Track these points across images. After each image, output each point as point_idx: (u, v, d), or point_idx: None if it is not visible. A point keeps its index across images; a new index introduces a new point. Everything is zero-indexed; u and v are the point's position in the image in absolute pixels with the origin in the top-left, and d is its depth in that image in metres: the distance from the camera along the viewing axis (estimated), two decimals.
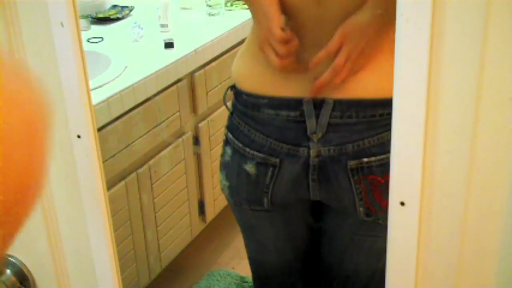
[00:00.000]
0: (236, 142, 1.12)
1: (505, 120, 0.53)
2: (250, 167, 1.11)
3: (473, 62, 0.52)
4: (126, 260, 1.78)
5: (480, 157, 0.55)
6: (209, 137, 2.07)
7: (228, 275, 2.11)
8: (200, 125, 2.02)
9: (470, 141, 0.55)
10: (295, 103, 1.04)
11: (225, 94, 1.18)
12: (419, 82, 0.54)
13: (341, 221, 1.16)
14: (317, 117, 1.03)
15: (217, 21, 2.24)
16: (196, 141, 2.02)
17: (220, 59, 2.06)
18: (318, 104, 1.03)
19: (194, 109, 1.98)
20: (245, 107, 1.09)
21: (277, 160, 1.08)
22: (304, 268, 1.29)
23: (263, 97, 1.06)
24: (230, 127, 1.15)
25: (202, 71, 1.98)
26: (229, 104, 1.18)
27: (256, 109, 1.08)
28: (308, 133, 1.04)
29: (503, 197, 0.56)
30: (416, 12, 0.52)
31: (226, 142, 1.16)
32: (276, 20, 0.99)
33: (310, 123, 1.04)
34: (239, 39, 2.13)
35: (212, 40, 2.02)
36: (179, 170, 1.96)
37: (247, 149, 1.10)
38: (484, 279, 0.61)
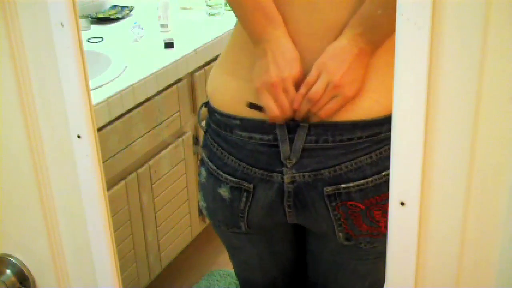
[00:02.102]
0: (210, 164, 1.07)
1: (505, 120, 0.53)
2: (224, 191, 1.06)
3: (473, 62, 0.52)
4: (126, 260, 1.78)
5: (480, 157, 0.55)
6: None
7: (228, 275, 2.11)
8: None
9: (470, 141, 0.55)
10: (268, 126, 0.98)
11: (199, 111, 1.13)
12: (419, 82, 0.54)
13: (322, 244, 1.12)
14: (291, 141, 0.97)
15: (217, 21, 2.24)
16: (196, 141, 2.02)
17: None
18: (292, 127, 0.97)
19: (194, 109, 1.98)
20: (218, 126, 1.04)
21: (251, 186, 1.02)
22: (291, 283, 1.26)
23: (235, 118, 1.00)
24: (205, 147, 1.10)
25: (202, 71, 1.98)
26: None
27: (229, 130, 1.02)
28: (282, 158, 0.98)
29: (503, 197, 0.56)
30: (416, 11, 0.52)
31: (202, 162, 1.11)
32: (299, 66, 0.93)
33: (284, 148, 0.98)
34: None
35: (212, 40, 2.02)
36: (179, 170, 1.96)
37: (220, 172, 1.05)
38: (485, 279, 0.61)
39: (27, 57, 0.70)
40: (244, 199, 1.04)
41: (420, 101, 0.54)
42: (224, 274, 2.12)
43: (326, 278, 1.18)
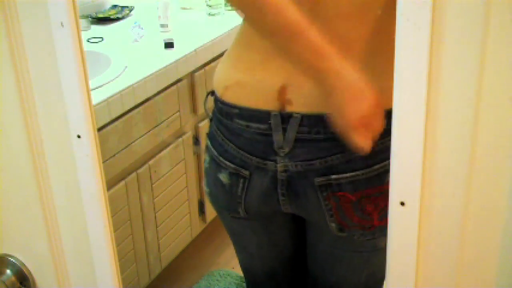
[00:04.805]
0: (213, 150, 1.11)
1: (505, 120, 0.53)
2: (224, 177, 1.09)
3: (473, 62, 0.52)
4: (126, 260, 1.78)
5: (480, 157, 0.55)
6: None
7: (228, 275, 2.11)
8: (200, 125, 2.02)
9: (470, 141, 0.55)
10: (264, 116, 1.01)
11: (206, 99, 1.16)
12: (419, 82, 0.54)
13: (319, 235, 1.15)
14: (284, 131, 1.00)
15: (217, 21, 2.24)
16: (196, 141, 2.02)
17: (220, 59, 2.06)
18: (285, 118, 0.99)
19: (194, 109, 1.98)
20: (221, 115, 1.08)
21: (247, 172, 1.06)
22: (291, 275, 1.28)
23: (235, 107, 1.04)
24: (209, 134, 1.14)
25: (202, 71, 1.98)
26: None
27: (229, 118, 1.05)
28: (275, 147, 1.02)
29: (503, 197, 0.56)
30: (416, 12, 0.52)
31: (206, 148, 1.15)
32: (372, 95, 0.90)
33: (277, 137, 1.01)
34: None
35: (212, 40, 2.02)
36: (179, 170, 1.96)
37: (221, 158, 1.09)
38: (484, 279, 0.61)
39: (27, 57, 0.70)
40: (241, 185, 1.08)
41: (420, 101, 0.54)
42: (224, 274, 2.12)
43: (323, 270, 1.20)
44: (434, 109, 0.55)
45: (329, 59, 0.89)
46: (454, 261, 0.61)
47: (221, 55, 2.07)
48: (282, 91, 0.99)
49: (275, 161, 1.03)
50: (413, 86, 0.54)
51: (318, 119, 0.98)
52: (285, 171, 1.03)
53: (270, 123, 1.01)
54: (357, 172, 1.00)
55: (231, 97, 1.05)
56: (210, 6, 2.27)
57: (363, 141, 0.92)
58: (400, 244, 0.62)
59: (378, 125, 0.92)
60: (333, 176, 1.00)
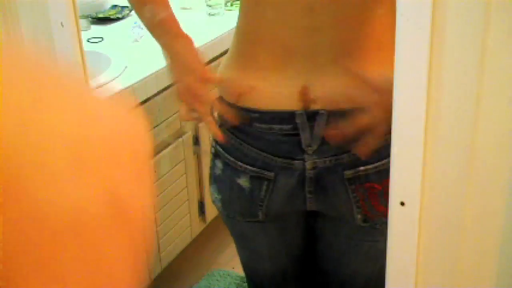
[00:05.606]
0: (227, 155, 1.09)
1: (505, 120, 0.53)
2: (243, 181, 1.08)
3: (473, 62, 0.52)
4: None
5: (480, 157, 0.55)
6: (209, 137, 2.07)
7: (228, 275, 2.11)
8: (200, 125, 2.02)
9: (470, 141, 0.55)
10: (288, 116, 1.01)
11: (213, 104, 1.14)
12: (419, 82, 0.54)
13: (337, 227, 1.15)
14: (311, 129, 1.01)
15: (217, 21, 2.23)
16: (196, 141, 2.02)
17: (220, 59, 2.06)
18: (311, 116, 1.00)
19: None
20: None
21: (272, 174, 1.05)
22: (300, 274, 1.28)
23: (254, 111, 1.03)
24: (219, 140, 1.12)
25: None
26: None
27: (247, 123, 1.05)
28: (303, 146, 1.02)
29: (503, 197, 0.56)
30: (416, 12, 0.52)
31: (215, 155, 1.13)
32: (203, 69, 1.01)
33: (305, 136, 1.01)
34: None
35: (212, 40, 2.02)
36: (179, 170, 1.95)
37: (239, 163, 1.07)
38: (484, 279, 0.61)
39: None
40: (264, 187, 1.07)
41: (420, 101, 0.54)
42: (224, 274, 2.12)
43: (339, 263, 1.20)
44: (434, 109, 0.55)
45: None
46: (453, 261, 0.61)
47: (221, 55, 2.06)
48: (304, 92, 1.00)
49: (303, 159, 1.03)
50: (413, 86, 0.54)
51: (343, 114, 0.99)
52: (314, 168, 1.04)
53: (295, 122, 1.01)
54: (383, 161, 1.01)
55: (247, 102, 1.04)
56: (210, 6, 2.27)
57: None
58: (400, 244, 0.62)
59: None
60: (361, 168, 1.02)
